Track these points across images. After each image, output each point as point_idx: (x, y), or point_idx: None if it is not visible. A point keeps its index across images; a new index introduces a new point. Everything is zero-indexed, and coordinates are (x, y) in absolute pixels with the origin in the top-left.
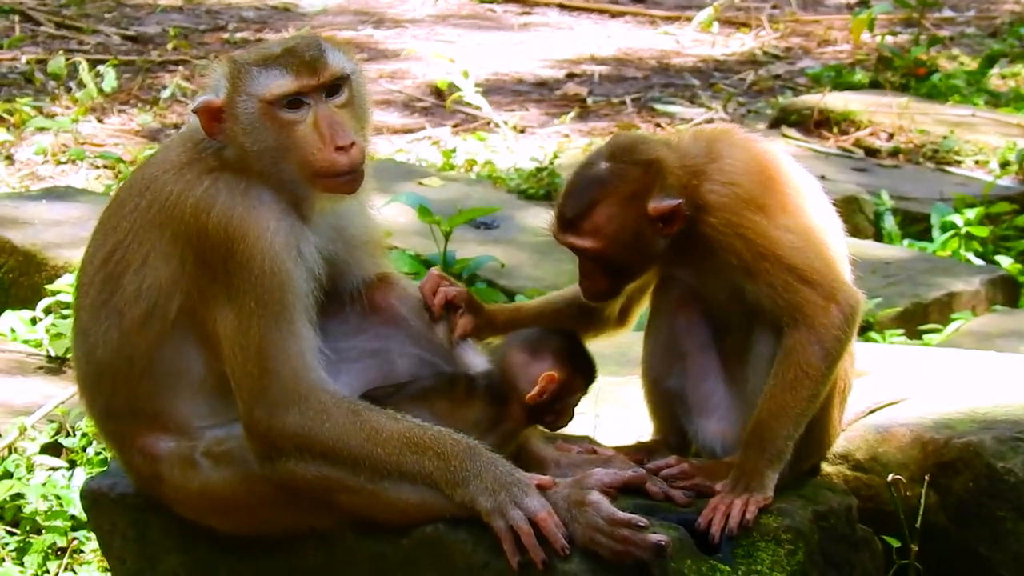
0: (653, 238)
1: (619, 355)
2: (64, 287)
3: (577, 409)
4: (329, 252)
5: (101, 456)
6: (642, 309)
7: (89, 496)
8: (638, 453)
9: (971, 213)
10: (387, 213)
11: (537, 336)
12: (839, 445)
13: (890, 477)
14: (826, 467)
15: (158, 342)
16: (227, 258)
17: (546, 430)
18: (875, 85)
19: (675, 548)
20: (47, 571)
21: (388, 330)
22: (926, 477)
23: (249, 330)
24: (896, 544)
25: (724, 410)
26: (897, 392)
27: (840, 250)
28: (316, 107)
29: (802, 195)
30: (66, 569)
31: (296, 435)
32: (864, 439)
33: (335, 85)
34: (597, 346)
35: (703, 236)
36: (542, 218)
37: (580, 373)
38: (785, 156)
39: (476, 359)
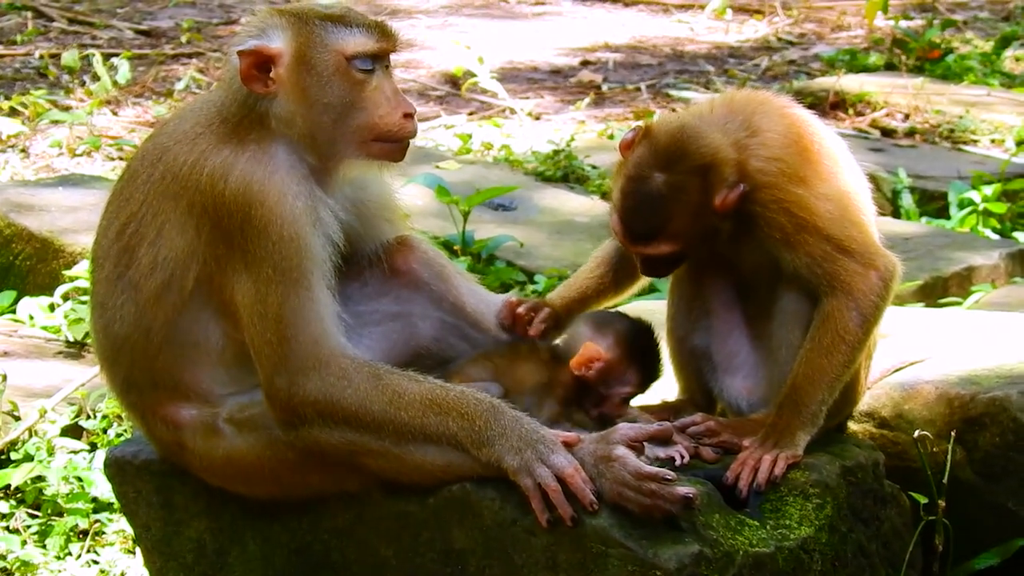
0: (719, 223)
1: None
2: (81, 273)
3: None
4: (347, 217)
5: (123, 438)
6: None
7: (113, 464)
8: (664, 412)
9: (988, 190)
10: (404, 195)
11: (608, 316)
12: (865, 403)
13: (916, 433)
14: (852, 425)
15: (175, 314)
16: (244, 224)
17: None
18: (890, 67)
19: (703, 502)
20: (69, 553)
21: (409, 293)
22: (952, 433)
23: (267, 297)
24: (923, 500)
25: (749, 367)
26: (921, 351)
27: (871, 212)
28: (383, 72)
29: (835, 160)
30: (88, 551)
31: (318, 401)
32: (890, 396)
33: (389, 56)
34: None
35: (746, 211)
36: (560, 199)
37: (635, 365)
38: (817, 121)
39: None
